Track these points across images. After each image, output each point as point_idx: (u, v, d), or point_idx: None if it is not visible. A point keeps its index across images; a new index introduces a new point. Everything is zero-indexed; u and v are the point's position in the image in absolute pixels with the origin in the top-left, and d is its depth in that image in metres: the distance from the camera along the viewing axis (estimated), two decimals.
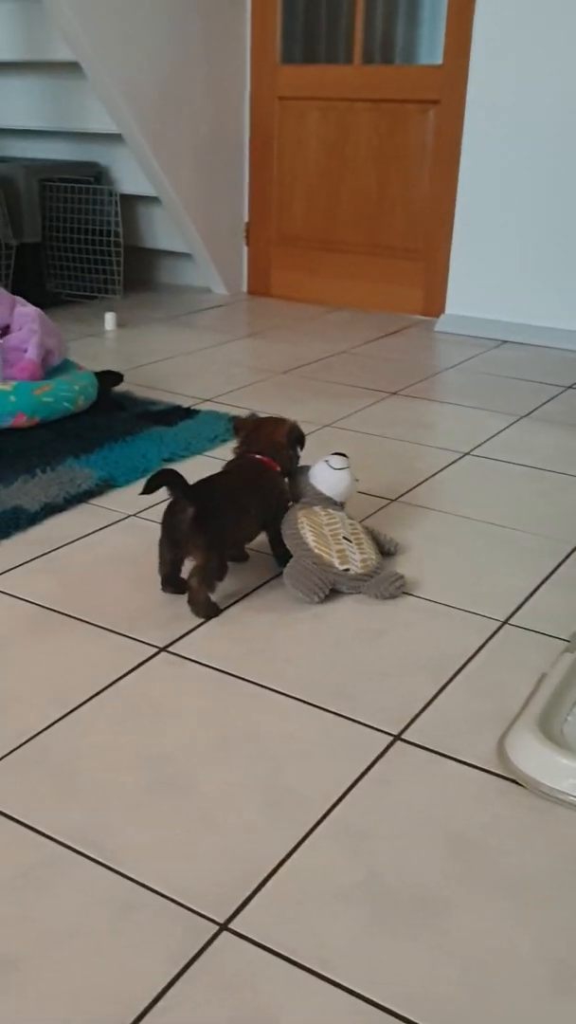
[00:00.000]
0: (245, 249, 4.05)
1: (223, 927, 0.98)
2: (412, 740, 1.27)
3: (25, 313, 2.40)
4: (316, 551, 1.61)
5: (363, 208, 3.76)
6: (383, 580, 1.63)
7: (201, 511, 1.51)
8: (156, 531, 1.83)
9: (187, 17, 3.48)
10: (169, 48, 3.44)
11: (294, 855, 1.08)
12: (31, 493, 1.96)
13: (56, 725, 1.27)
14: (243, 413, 2.40)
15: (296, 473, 1.75)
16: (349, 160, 3.73)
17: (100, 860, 1.06)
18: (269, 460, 1.69)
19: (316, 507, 1.69)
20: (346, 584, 1.62)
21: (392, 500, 2.03)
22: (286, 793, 1.17)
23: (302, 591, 1.58)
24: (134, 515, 1.93)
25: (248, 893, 1.02)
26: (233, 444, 1.76)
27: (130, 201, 3.93)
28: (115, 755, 1.22)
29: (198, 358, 3.09)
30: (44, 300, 3.60)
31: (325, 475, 1.73)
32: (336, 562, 1.61)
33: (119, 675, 1.39)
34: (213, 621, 1.54)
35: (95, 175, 3.71)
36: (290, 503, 1.72)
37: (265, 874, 1.05)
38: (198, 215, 3.75)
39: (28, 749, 1.23)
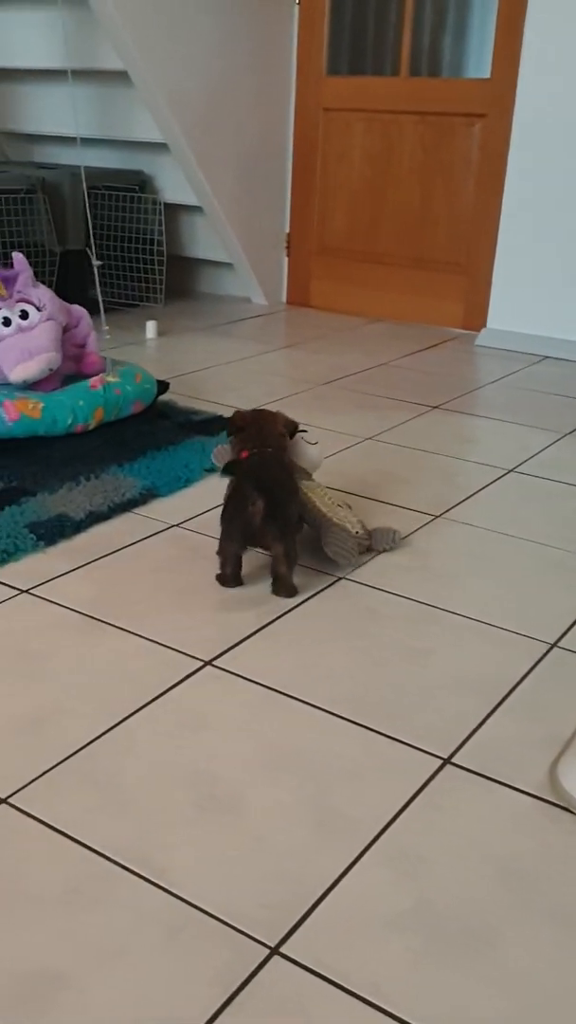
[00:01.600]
0: (286, 259, 4.05)
1: (274, 951, 0.97)
2: (462, 764, 1.25)
3: (79, 311, 2.42)
4: (335, 520, 1.73)
5: (406, 220, 3.75)
6: (383, 535, 1.81)
7: (271, 503, 1.58)
8: (199, 541, 1.84)
9: (235, 28, 3.49)
10: (217, 59, 3.45)
11: (344, 879, 1.06)
12: (76, 501, 1.96)
13: (103, 737, 1.27)
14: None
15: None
16: (393, 172, 3.72)
17: (149, 877, 1.05)
18: (274, 453, 1.73)
19: (303, 481, 1.79)
20: (363, 545, 1.77)
21: (436, 516, 2.02)
22: (335, 815, 1.15)
23: (343, 555, 1.70)
24: (176, 525, 1.93)
25: (299, 917, 1.01)
26: (235, 440, 1.75)
27: (172, 210, 3.95)
28: (163, 770, 1.21)
29: (238, 368, 3.09)
30: (86, 307, 3.62)
31: (306, 450, 1.87)
32: (350, 528, 1.74)
33: (165, 688, 1.39)
34: (257, 636, 1.54)
35: (140, 183, 3.73)
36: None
37: (315, 897, 1.04)
38: (240, 225, 3.76)
39: (76, 761, 1.22)
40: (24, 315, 2.23)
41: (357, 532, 1.75)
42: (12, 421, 2.12)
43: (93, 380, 2.31)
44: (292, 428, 1.80)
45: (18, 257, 2.25)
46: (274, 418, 1.78)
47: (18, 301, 2.23)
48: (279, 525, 1.60)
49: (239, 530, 1.61)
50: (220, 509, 1.66)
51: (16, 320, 2.22)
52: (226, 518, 1.63)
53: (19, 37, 3.71)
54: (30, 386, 2.23)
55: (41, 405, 2.17)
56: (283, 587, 1.66)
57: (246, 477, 1.61)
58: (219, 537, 1.66)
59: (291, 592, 1.66)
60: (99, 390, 2.28)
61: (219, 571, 1.68)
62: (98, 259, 2.44)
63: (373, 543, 1.80)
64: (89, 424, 2.25)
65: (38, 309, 2.24)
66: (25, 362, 2.17)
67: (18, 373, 2.17)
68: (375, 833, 1.13)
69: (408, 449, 2.41)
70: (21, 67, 3.74)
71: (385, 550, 1.82)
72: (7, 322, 2.20)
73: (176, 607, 1.61)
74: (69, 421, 2.20)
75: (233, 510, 1.61)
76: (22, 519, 1.86)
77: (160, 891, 1.03)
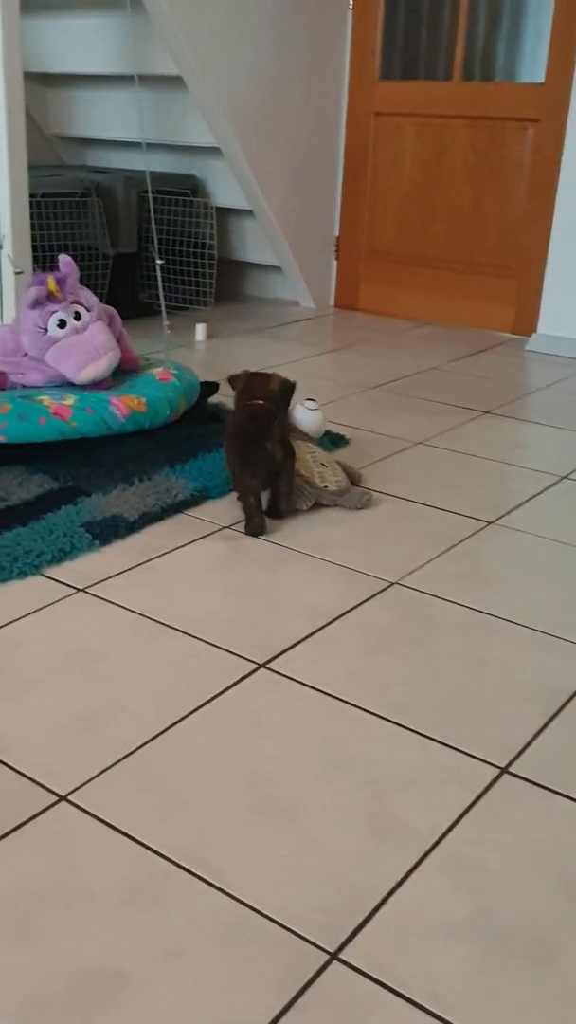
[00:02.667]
0: (334, 263, 4.05)
1: (333, 956, 0.97)
2: (520, 774, 1.24)
3: (110, 310, 2.43)
4: (302, 472, 1.98)
5: (456, 224, 3.73)
6: (355, 496, 2.02)
7: (284, 448, 1.91)
8: (250, 543, 1.85)
9: (289, 34, 3.50)
10: (271, 64, 3.46)
11: (403, 886, 1.06)
12: (130, 502, 1.97)
13: (160, 738, 1.28)
14: (337, 428, 2.39)
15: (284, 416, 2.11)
16: (444, 176, 3.70)
17: (208, 879, 1.05)
18: (267, 405, 1.99)
19: (300, 442, 2.06)
20: (326, 498, 2.01)
21: (489, 523, 2.00)
22: (392, 821, 1.15)
23: (296, 502, 1.98)
24: (228, 527, 1.93)
25: (357, 923, 1.01)
26: (232, 393, 2.07)
27: (222, 213, 3.97)
28: (219, 772, 1.22)
29: (287, 371, 3.06)
30: (137, 310, 3.65)
31: (303, 416, 2.16)
32: (317, 480, 1.99)
33: (220, 689, 1.39)
34: (310, 640, 1.54)
35: (192, 188, 3.75)
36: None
37: (374, 904, 1.03)
38: (290, 229, 3.77)
39: (133, 761, 1.23)
40: (77, 316, 2.25)
41: (325, 487, 1.99)
42: (124, 417, 2.17)
43: (160, 373, 2.36)
44: (287, 387, 2.05)
45: (65, 259, 2.26)
46: (268, 377, 2.05)
47: (71, 303, 2.25)
48: (290, 465, 1.93)
49: (264, 467, 1.89)
50: (225, 456, 1.99)
51: (71, 322, 2.24)
52: (248, 459, 1.89)
53: (74, 43, 3.75)
54: (92, 385, 2.24)
55: (144, 400, 2.22)
56: (280, 512, 1.96)
57: (256, 424, 1.91)
58: (236, 478, 1.94)
59: (288, 512, 1.97)
60: (173, 381, 2.34)
61: (245, 513, 1.92)
62: (154, 262, 2.45)
63: (343, 502, 2.01)
64: (178, 413, 2.32)
65: (87, 310, 2.26)
66: (95, 361, 2.19)
67: (88, 373, 2.19)
68: (433, 841, 1.12)
69: (459, 454, 2.40)
70: (78, 72, 3.77)
71: (355, 509, 2.02)
72: (62, 324, 2.22)
73: (229, 608, 1.62)
74: (167, 412, 2.27)
75: (255, 450, 1.89)
76: (78, 518, 1.87)
77: (218, 893, 1.03)
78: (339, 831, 1.13)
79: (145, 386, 2.29)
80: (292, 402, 2.17)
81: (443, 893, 1.05)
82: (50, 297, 2.21)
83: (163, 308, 2.52)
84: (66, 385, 2.26)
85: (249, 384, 2.04)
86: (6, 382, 2.24)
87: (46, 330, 2.22)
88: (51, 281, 2.18)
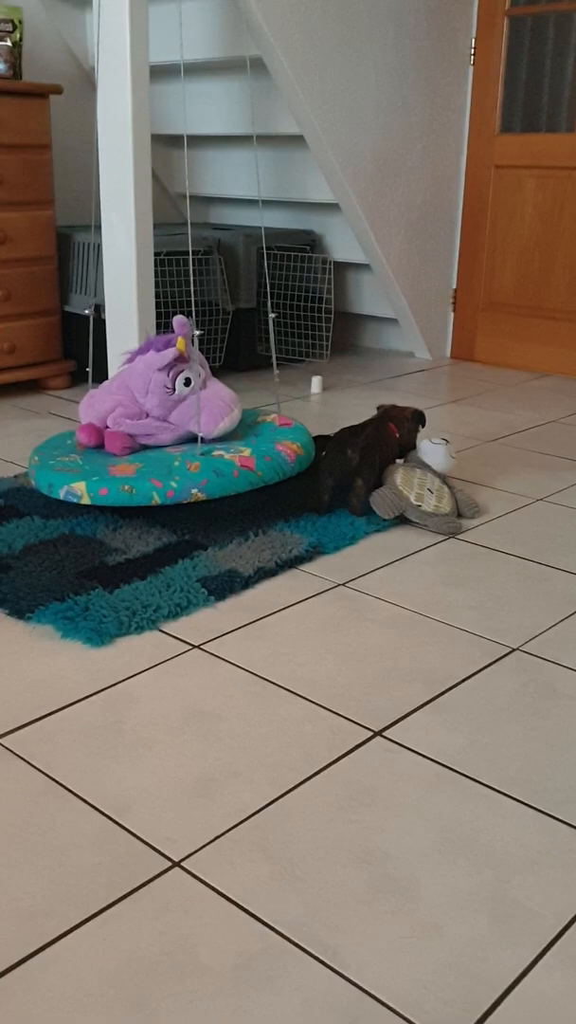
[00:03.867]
0: (451, 314, 4.03)
1: None
2: None
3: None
4: (399, 487, 2.20)
5: None
6: (444, 520, 2.17)
7: (363, 457, 2.19)
8: (365, 601, 1.83)
9: (410, 90, 3.53)
10: (391, 121, 3.50)
11: (527, 977, 1.00)
12: (245, 556, 1.98)
13: (273, 805, 1.26)
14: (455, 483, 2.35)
15: (413, 447, 2.39)
16: (565, 227, 3.65)
17: (322, 958, 1.02)
18: (395, 428, 2.33)
19: (417, 468, 2.27)
20: (415, 515, 2.17)
21: None
22: (515, 906, 1.10)
23: (379, 508, 2.17)
24: (342, 584, 1.92)
25: (479, 1016, 0.96)
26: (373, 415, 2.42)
27: (340, 267, 4.01)
28: (334, 845, 1.19)
29: None
30: (255, 363, 3.71)
31: (427, 448, 2.33)
32: (412, 498, 2.17)
33: (334, 757, 1.36)
34: (427, 708, 1.50)
35: (310, 243, 3.81)
36: (398, 459, 2.36)
37: (496, 996, 0.98)
38: (407, 282, 3.77)
39: (247, 828, 1.21)
40: (197, 374, 2.29)
41: (419, 505, 2.16)
42: (292, 461, 2.22)
43: (279, 419, 2.42)
44: (418, 417, 2.38)
45: (181, 319, 2.30)
46: (404, 409, 2.39)
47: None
48: (365, 473, 2.19)
49: (338, 467, 2.20)
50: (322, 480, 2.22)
51: (195, 379, 2.28)
52: (327, 459, 2.21)
53: (198, 105, 3.88)
54: (213, 439, 2.27)
55: (299, 444, 2.27)
56: (354, 507, 2.21)
57: (352, 437, 2.22)
58: (319, 473, 2.22)
59: (358, 512, 2.21)
60: (296, 424, 2.39)
61: (317, 500, 2.22)
62: (272, 315, 2.49)
63: (430, 523, 2.17)
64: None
65: (202, 367, 2.31)
66: (229, 414, 2.24)
67: (223, 426, 2.23)
68: (558, 930, 1.07)
69: None
70: (201, 134, 3.90)
71: (441, 533, 2.17)
72: (187, 382, 2.26)
73: (344, 671, 1.60)
74: (312, 453, 2.33)
75: (337, 453, 2.20)
76: (194, 573, 1.89)
77: (333, 974, 1.00)
78: (458, 914, 1.08)
79: (276, 433, 2.33)
80: (421, 437, 2.48)
81: (571, 989, 0.99)
82: (178, 358, 2.26)
83: (274, 360, 2.56)
84: (191, 442, 2.29)
85: (389, 411, 2.39)
86: (136, 445, 2.28)
87: (174, 389, 2.26)
88: (181, 342, 2.23)
